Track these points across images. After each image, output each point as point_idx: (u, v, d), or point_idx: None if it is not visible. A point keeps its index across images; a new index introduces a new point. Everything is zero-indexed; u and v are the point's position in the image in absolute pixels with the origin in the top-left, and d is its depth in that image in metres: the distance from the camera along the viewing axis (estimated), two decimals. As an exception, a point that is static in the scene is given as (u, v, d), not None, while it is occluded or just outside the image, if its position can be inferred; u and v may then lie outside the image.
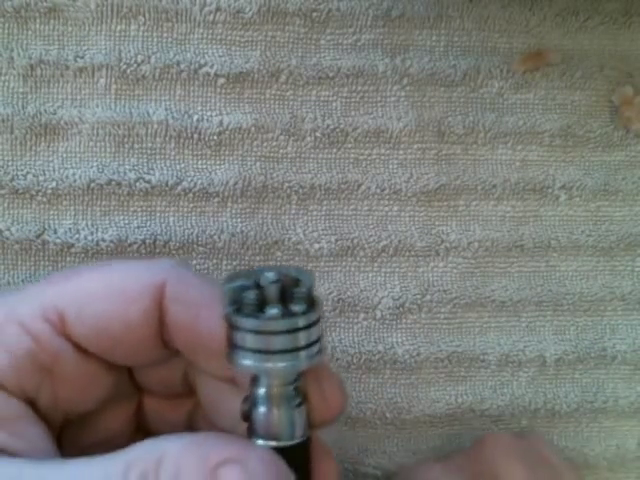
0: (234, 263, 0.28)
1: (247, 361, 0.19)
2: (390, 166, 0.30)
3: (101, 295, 0.20)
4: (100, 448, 0.19)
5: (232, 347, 0.19)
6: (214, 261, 0.28)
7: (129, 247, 0.28)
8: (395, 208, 0.30)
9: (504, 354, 0.30)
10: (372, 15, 0.29)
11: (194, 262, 0.28)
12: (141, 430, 0.24)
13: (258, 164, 0.29)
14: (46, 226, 0.28)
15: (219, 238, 0.28)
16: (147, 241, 0.28)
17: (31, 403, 0.20)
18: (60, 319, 0.20)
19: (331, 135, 0.29)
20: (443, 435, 0.30)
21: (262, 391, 0.19)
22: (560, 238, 0.31)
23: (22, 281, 0.27)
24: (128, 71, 0.28)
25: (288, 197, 0.29)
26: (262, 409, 0.19)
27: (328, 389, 0.21)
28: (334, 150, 0.29)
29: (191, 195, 0.28)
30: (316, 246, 0.29)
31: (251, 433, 0.20)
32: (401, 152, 0.30)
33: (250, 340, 0.18)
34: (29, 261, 0.28)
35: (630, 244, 0.31)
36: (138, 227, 0.28)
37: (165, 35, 0.28)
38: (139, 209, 0.28)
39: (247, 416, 0.20)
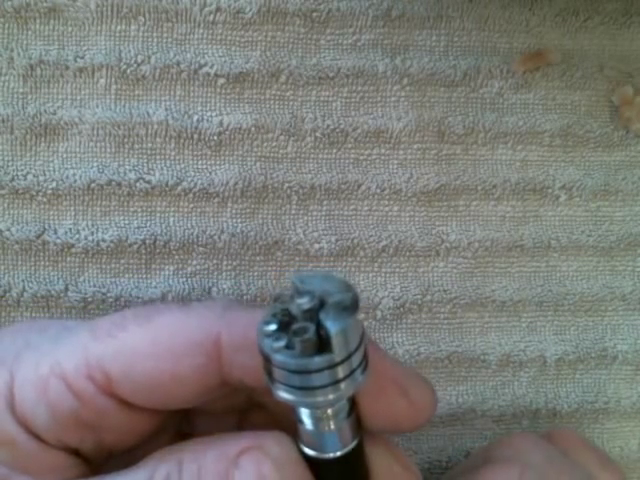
0: (234, 263, 0.28)
1: (288, 395, 0.18)
2: (390, 166, 0.30)
3: (148, 353, 0.19)
4: None
5: (272, 379, 0.18)
6: (214, 261, 0.28)
7: (129, 247, 0.28)
8: (395, 208, 0.30)
9: (505, 354, 0.30)
10: (372, 15, 0.29)
11: (194, 262, 0.28)
12: (186, 435, 0.23)
13: (258, 164, 0.29)
14: (46, 226, 0.28)
15: (219, 238, 0.28)
16: (147, 241, 0.28)
17: (73, 450, 0.20)
18: (105, 378, 0.19)
19: (331, 135, 0.29)
20: (444, 435, 0.29)
21: (307, 413, 0.19)
22: (560, 238, 0.31)
23: (22, 281, 0.27)
24: (128, 71, 0.28)
25: (288, 197, 0.29)
26: (309, 427, 0.19)
27: (414, 394, 0.20)
28: (334, 150, 0.29)
29: (191, 195, 0.28)
30: (316, 246, 0.29)
31: (300, 442, 0.19)
32: (401, 152, 0.30)
33: (288, 378, 0.17)
34: (29, 261, 0.27)
35: (630, 244, 0.31)
36: (138, 227, 0.28)
37: (165, 35, 0.28)
38: (139, 209, 0.28)
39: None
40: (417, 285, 0.30)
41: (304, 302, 0.17)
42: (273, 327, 0.17)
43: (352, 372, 0.17)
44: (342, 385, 0.17)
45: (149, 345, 0.19)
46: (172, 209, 0.28)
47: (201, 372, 0.19)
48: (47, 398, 0.19)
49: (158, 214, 0.28)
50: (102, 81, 0.28)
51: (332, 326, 0.17)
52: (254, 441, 0.18)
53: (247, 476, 0.18)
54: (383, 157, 0.29)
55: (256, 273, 0.29)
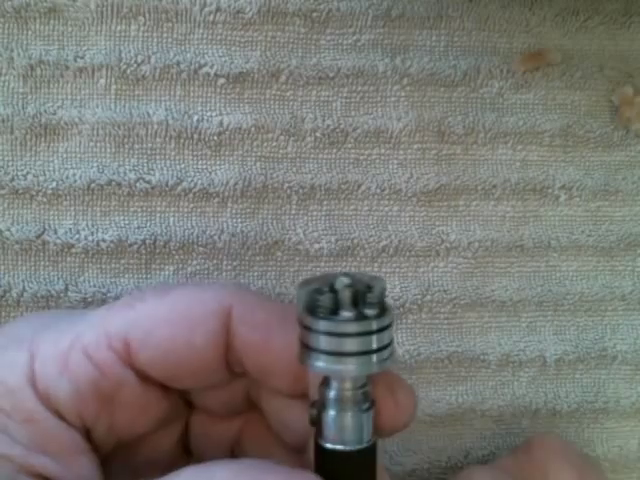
0: (234, 263, 0.28)
1: (320, 363, 0.19)
2: (390, 166, 0.30)
3: (166, 320, 0.20)
4: (147, 467, 0.19)
5: (305, 349, 0.19)
6: (214, 261, 0.28)
7: (129, 247, 0.28)
8: (395, 208, 0.30)
9: (504, 354, 0.30)
10: (372, 15, 0.29)
11: (194, 262, 0.28)
12: (185, 448, 0.24)
13: (258, 164, 0.29)
14: (46, 226, 0.28)
15: (219, 238, 0.28)
16: (147, 241, 0.28)
17: (86, 431, 0.21)
18: (125, 347, 0.20)
19: (331, 135, 0.29)
20: (444, 435, 0.29)
21: (332, 394, 0.19)
22: (560, 238, 0.31)
23: (22, 281, 0.27)
24: (128, 71, 0.28)
25: (288, 197, 0.29)
26: (332, 412, 0.19)
27: (400, 395, 0.21)
28: (334, 150, 0.29)
29: (191, 195, 0.28)
30: (316, 246, 0.29)
31: (319, 437, 0.20)
32: (401, 152, 0.30)
33: (323, 342, 0.19)
34: (29, 261, 0.27)
35: (630, 244, 0.31)
36: (138, 227, 0.28)
37: (165, 35, 0.28)
38: (139, 209, 0.28)
39: (315, 420, 0.20)
40: (417, 285, 0.30)
41: (345, 280, 0.19)
42: (326, 296, 0.19)
43: (383, 348, 0.19)
44: (374, 357, 0.19)
45: (167, 313, 0.21)
46: (172, 209, 0.28)
47: (213, 340, 0.20)
48: (68, 371, 0.20)
49: (158, 214, 0.28)
50: (102, 81, 0.28)
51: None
52: (286, 479, 0.18)
53: None
54: (383, 157, 0.30)
55: (256, 273, 0.29)
